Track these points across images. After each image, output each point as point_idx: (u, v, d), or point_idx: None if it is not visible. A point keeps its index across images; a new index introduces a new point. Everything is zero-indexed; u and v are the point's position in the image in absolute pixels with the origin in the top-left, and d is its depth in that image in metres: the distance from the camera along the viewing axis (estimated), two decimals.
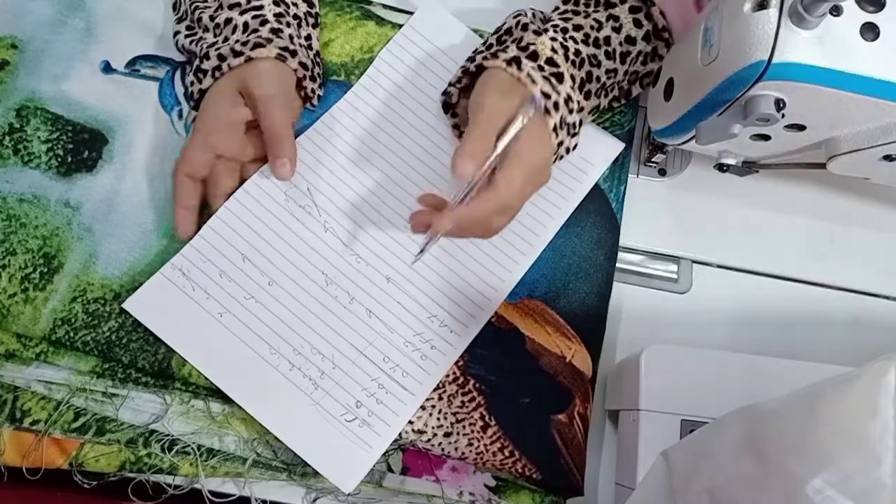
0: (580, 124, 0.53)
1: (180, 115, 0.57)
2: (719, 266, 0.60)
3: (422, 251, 0.51)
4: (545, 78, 0.49)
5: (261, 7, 0.53)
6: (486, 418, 0.52)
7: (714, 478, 0.33)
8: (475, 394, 0.52)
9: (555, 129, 0.50)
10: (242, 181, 0.54)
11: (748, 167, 0.53)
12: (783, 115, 0.42)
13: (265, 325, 0.52)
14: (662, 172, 0.61)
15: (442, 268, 0.54)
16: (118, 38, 0.58)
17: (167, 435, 0.50)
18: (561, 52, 0.51)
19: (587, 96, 0.53)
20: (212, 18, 0.53)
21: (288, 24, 0.54)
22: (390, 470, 0.51)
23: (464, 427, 0.51)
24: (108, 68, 0.58)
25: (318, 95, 0.57)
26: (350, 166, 0.56)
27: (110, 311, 0.52)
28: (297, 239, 0.54)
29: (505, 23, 0.55)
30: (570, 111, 0.51)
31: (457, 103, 0.56)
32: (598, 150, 0.58)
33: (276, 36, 0.52)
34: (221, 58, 0.51)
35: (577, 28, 0.53)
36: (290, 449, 0.49)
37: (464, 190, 0.47)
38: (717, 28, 0.43)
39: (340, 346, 0.52)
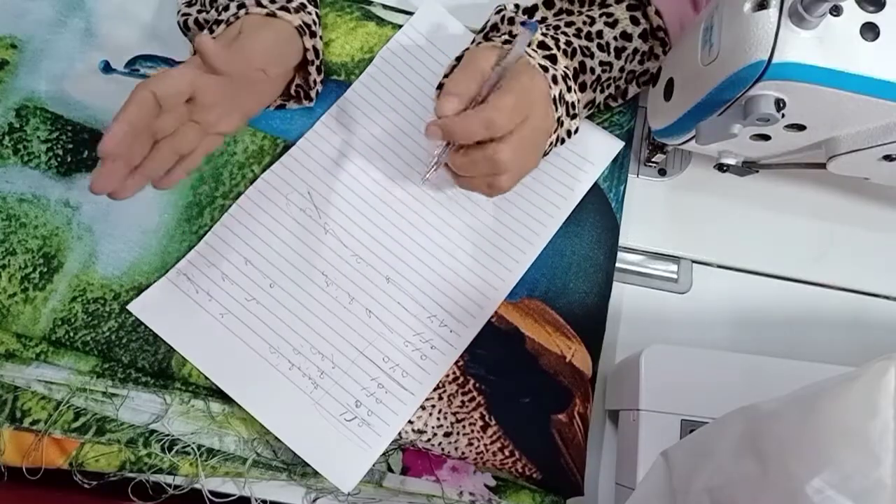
0: (578, 113, 0.53)
1: None
2: (719, 266, 0.60)
3: (433, 166, 0.48)
4: (541, 58, 0.49)
5: None
6: (486, 418, 0.52)
7: (714, 478, 0.33)
8: (475, 393, 0.52)
9: (555, 100, 0.49)
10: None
11: (748, 167, 0.53)
12: (783, 115, 0.42)
13: (265, 326, 0.52)
14: (662, 172, 0.61)
15: (442, 268, 0.54)
16: (118, 38, 0.58)
17: (167, 435, 0.50)
18: (552, 42, 0.51)
19: (582, 88, 0.53)
20: None
21: (308, 13, 0.53)
22: (390, 470, 0.51)
23: (464, 427, 0.51)
24: (107, 68, 0.58)
25: (317, 91, 0.56)
26: (350, 167, 0.56)
27: (110, 311, 0.52)
28: (297, 241, 0.54)
29: (489, 20, 0.56)
30: (569, 89, 0.50)
31: None
32: (597, 149, 0.58)
33: (302, 11, 0.51)
34: (241, 6, 0.49)
35: (569, 24, 0.53)
36: (290, 449, 0.49)
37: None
38: (717, 28, 0.43)
39: (340, 345, 0.52)
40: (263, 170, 0.55)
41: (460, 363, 0.53)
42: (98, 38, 0.58)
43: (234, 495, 0.50)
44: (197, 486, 0.50)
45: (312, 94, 0.56)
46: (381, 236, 0.55)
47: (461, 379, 0.53)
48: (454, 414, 0.52)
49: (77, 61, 0.57)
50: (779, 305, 0.59)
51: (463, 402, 0.52)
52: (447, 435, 0.51)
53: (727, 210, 0.61)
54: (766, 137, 0.48)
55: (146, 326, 0.51)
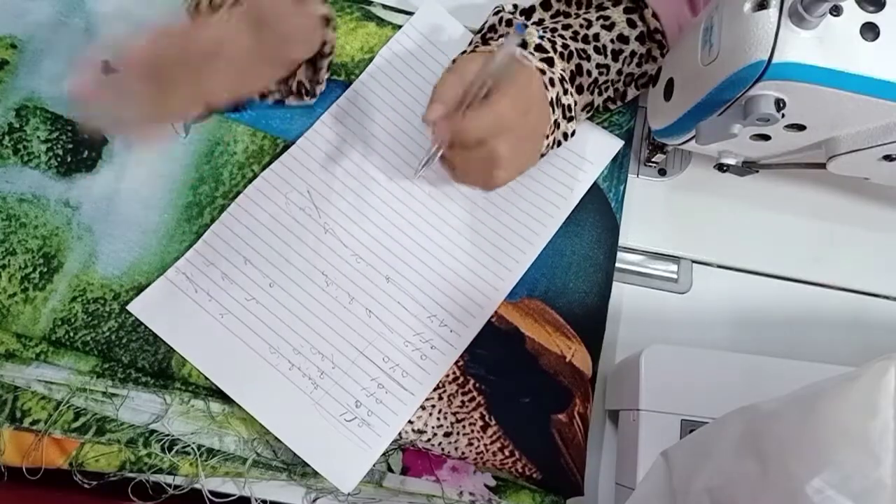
0: (575, 116, 0.53)
1: None
2: (719, 266, 0.60)
3: (425, 163, 0.50)
4: (538, 61, 0.49)
5: None
6: (486, 418, 0.52)
7: (714, 478, 0.33)
8: (475, 393, 0.52)
9: (552, 103, 0.49)
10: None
11: (748, 167, 0.53)
12: (783, 115, 0.42)
13: (265, 325, 0.52)
14: (662, 172, 0.61)
15: (442, 268, 0.54)
16: (118, 38, 0.58)
17: (167, 435, 0.50)
18: (548, 45, 0.51)
19: (579, 90, 0.53)
20: None
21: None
22: (390, 470, 0.51)
23: (464, 427, 0.51)
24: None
25: (319, 89, 0.56)
26: (350, 167, 0.56)
27: (110, 311, 0.52)
28: (297, 241, 0.54)
29: (487, 21, 0.56)
30: (566, 92, 0.51)
31: None
32: (596, 148, 0.58)
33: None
34: None
35: (566, 27, 0.53)
36: (290, 449, 0.49)
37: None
38: (717, 28, 0.43)
39: (340, 345, 0.52)
40: (263, 170, 0.55)
41: (460, 363, 0.53)
42: (98, 38, 0.58)
43: (234, 495, 0.50)
44: (197, 486, 0.50)
45: (318, 90, 0.56)
46: (380, 236, 0.55)
47: (461, 379, 0.53)
48: (454, 414, 0.52)
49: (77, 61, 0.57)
50: (779, 305, 0.59)
51: (463, 402, 0.52)
52: (447, 435, 0.51)
53: (727, 210, 0.60)
54: (766, 137, 0.48)
55: (146, 326, 0.51)
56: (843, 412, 0.29)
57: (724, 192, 0.61)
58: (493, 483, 0.52)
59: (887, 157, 0.46)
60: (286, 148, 0.56)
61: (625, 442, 0.50)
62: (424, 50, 0.59)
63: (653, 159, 0.59)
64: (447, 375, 0.52)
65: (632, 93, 0.58)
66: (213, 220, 0.54)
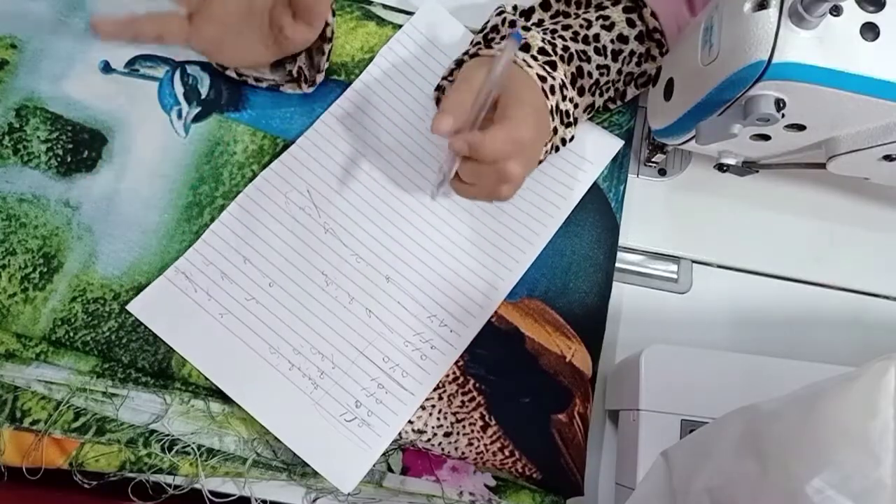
0: (575, 120, 0.53)
1: (179, 115, 0.57)
2: (719, 266, 0.60)
3: (441, 181, 0.50)
4: (540, 66, 0.50)
5: None
6: (486, 418, 0.52)
7: (714, 478, 0.33)
8: (475, 393, 0.52)
9: (551, 111, 0.50)
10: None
11: (748, 167, 0.53)
12: (783, 115, 0.42)
13: (265, 325, 0.52)
14: (662, 172, 0.61)
15: (442, 268, 0.54)
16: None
17: (167, 435, 0.50)
18: (549, 47, 0.51)
19: (580, 92, 0.53)
20: None
21: None
22: (390, 470, 0.51)
23: (464, 427, 0.51)
24: (107, 68, 0.58)
25: (319, 77, 0.56)
26: (349, 166, 0.56)
27: (110, 311, 0.52)
28: (297, 240, 0.54)
29: (489, 21, 0.56)
30: (564, 98, 0.51)
31: None
32: (596, 148, 0.58)
33: None
34: None
35: (566, 28, 0.53)
36: (290, 449, 0.49)
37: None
38: (717, 28, 0.43)
39: (340, 345, 0.52)
40: (263, 169, 0.55)
41: (460, 363, 0.53)
42: (98, 38, 0.58)
43: (234, 495, 0.50)
44: (197, 486, 0.50)
45: (317, 78, 0.56)
46: (381, 236, 0.55)
47: (461, 379, 0.53)
48: (454, 414, 0.52)
49: (77, 61, 0.57)
50: (779, 305, 0.59)
51: (463, 402, 0.52)
52: (447, 435, 0.51)
53: (727, 210, 0.60)
54: (766, 137, 0.48)
55: (146, 326, 0.51)
56: (843, 412, 0.29)
57: (724, 192, 0.61)
58: (493, 483, 0.52)
59: (887, 157, 0.46)
60: (286, 147, 0.56)
61: (625, 442, 0.50)
62: (424, 50, 0.59)
63: (653, 159, 0.59)
64: (447, 375, 0.52)
65: (631, 92, 0.58)
66: (213, 220, 0.54)
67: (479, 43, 0.55)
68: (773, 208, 0.61)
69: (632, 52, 0.54)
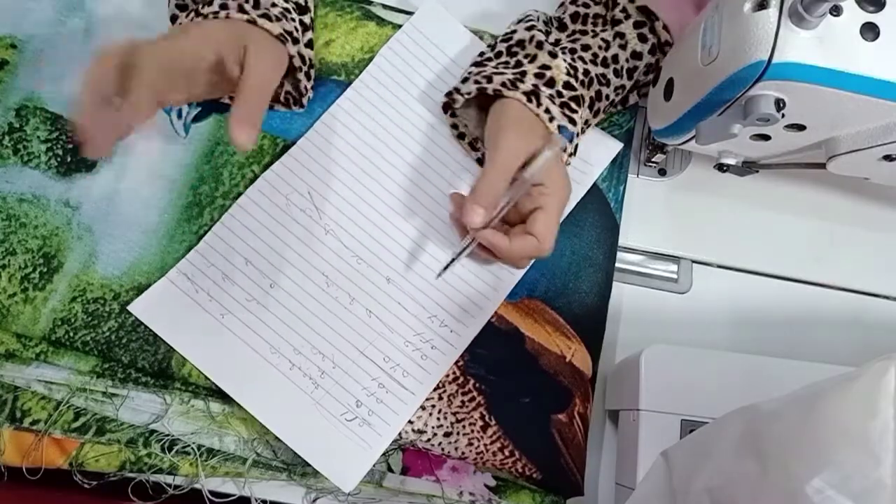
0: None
1: (179, 115, 0.57)
2: (719, 266, 0.60)
3: (448, 266, 0.52)
4: (563, 106, 0.50)
5: None
6: (486, 418, 0.52)
7: (714, 478, 0.33)
8: (475, 393, 0.52)
9: (573, 152, 0.52)
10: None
11: (748, 167, 0.53)
12: (783, 115, 0.42)
13: (266, 326, 0.52)
14: (662, 172, 0.61)
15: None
16: (118, 38, 0.58)
17: (167, 435, 0.50)
18: (573, 77, 0.51)
19: (595, 114, 0.54)
20: None
21: (291, 20, 0.52)
22: (390, 470, 0.51)
23: (464, 427, 0.51)
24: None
25: (308, 97, 0.56)
26: (350, 167, 0.56)
27: (110, 311, 0.52)
28: (298, 242, 0.54)
29: (515, 31, 0.54)
30: (582, 131, 0.53)
31: (460, 108, 0.55)
32: (596, 150, 0.58)
33: (284, 18, 0.51)
34: (224, 7, 0.48)
35: (586, 48, 0.53)
36: (290, 448, 0.49)
37: (492, 216, 0.49)
38: (717, 28, 0.43)
39: (341, 345, 0.52)
40: (263, 170, 0.55)
41: (460, 363, 0.53)
42: (98, 38, 0.58)
43: (234, 495, 0.50)
44: (197, 486, 0.50)
45: (304, 100, 0.56)
46: (381, 237, 0.55)
47: (461, 379, 0.53)
48: (454, 414, 0.52)
49: (77, 61, 0.57)
50: (779, 305, 0.59)
51: (463, 402, 0.52)
52: (447, 435, 0.51)
53: (727, 210, 0.61)
54: (766, 137, 0.48)
55: (146, 326, 0.51)
56: (843, 412, 0.29)
57: (724, 192, 0.61)
58: (493, 483, 0.52)
59: (887, 157, 0.46)
60: (286, 148, 0.56)
61: (625, 442, 0.50)
62: (425, 50, 0.59)
63: (653, 159, 0.59)
64: (447, 375, 0.52)
65: (633, 98, 0.58)
66: (213, 220, 0.54)
67: (500, 52, 0.53)
68: (773, 208, 0.61)
69: (645, 66, 0.54)
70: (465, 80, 0.54)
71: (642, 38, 0.53)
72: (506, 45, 0.54)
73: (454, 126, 0.57)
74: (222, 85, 0.49)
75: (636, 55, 0.54)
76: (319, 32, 0.59)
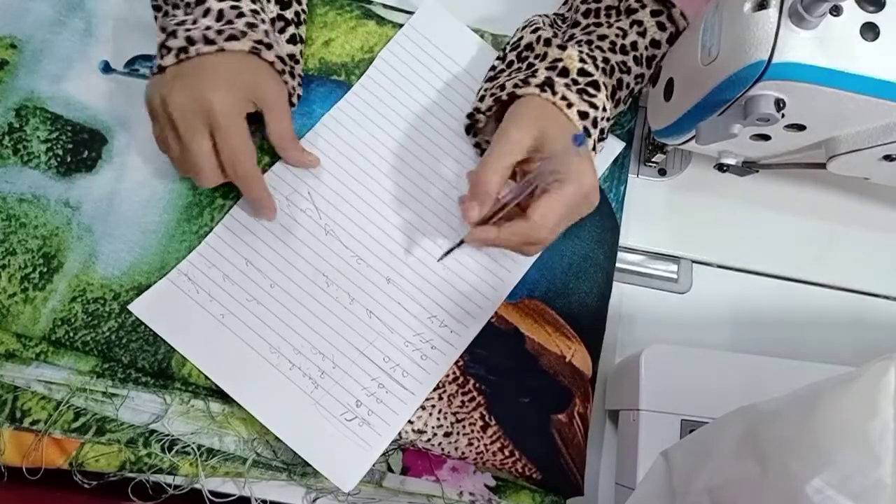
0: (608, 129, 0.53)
1: None
2: (719, 266, 0.60)
3: (450, 251, 0.52)
4: (580, 93, 0.49)
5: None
6: (486, 418, 0.52)
7: (714, 478, 0.33)
8: (475, 394, 0.52)
9: (594, 146, 0.51)
10: None
11: (748, 167, 0.53)
12: (783, 115, 0.42)
13: (266, 326, 0.52)
14: (662, 172, 0.61)
15: (442, 269, 0.54)
16: (117, 38, 0.58)
17: (167, 435, 0.50)
18: (590, 61, 0.50)
19: (617, 104, 0.53)
20: None
21: (263, 21, 0.51)
22: (390, 470, 0.51)
23: (464, 427, 0.51)
24: (107, 68, 0.58)
25: (298, 95, 0.55)
26: (350, 168, 0.56)
27: (110, 311, 0.52)
28: (298, 242, 0.54)
29: (522, 37, 0.54)
30: (604, 118, 0.51)
31: (483, 126, 0.55)
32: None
33: (250, 30, 0.49)
34: (190, 41, 0.47)
35: (602, 38, 0.52)
36: (290, 448, 0.49)
37: (493, 207, 0.48)
38: (717, 28, 0.43)
39: (341, 345, 0.52)
40: (263, 170, 0.55)
41: (460, 363, 0.53)
42: (97, 38, 0.58)
43: (234, 495, 0.50)
44: (197, 486, 0.50)
45: (293, 99, 0.54)
46: (381, 237, 0.55)
47: (461, 379, 0.53)
48: (454, 414, 0.52)
49: (77, 61, 0.57)
50: (779, 305, 0.59)
51: (463, 402, 0.52)
52: (447, 435, 0.51)
53: (727, 210, 0.61)
54: (766, 137, 0.48)
55: (146, 326, 0.51)
56: (843, 412, 0.29)
57: (724, 192, 0.61)
58: (493, 483, 0.52)
59: (887, 157, 0.46)
60: None
61: (625, 442, 0.50)
62: (424, 50, 0.59)
63: (653, 159, 0.59)
64: (447, 375, 0.52)
65: (639, 89, 0.57)
66: (213, 221, 0.54)
67: (511, 62, 0.53)
68: (773, 208, 0.61)
69: (663, 55, 0.54)
70: (481, 98, 0.54)
71: (661, 27, 0.53)
72: (515, 52, 0.54)
73: (477, 145, 0.57)
74: None
75: (655, 43, 0.53)
76: (319, 32, 0.59)
